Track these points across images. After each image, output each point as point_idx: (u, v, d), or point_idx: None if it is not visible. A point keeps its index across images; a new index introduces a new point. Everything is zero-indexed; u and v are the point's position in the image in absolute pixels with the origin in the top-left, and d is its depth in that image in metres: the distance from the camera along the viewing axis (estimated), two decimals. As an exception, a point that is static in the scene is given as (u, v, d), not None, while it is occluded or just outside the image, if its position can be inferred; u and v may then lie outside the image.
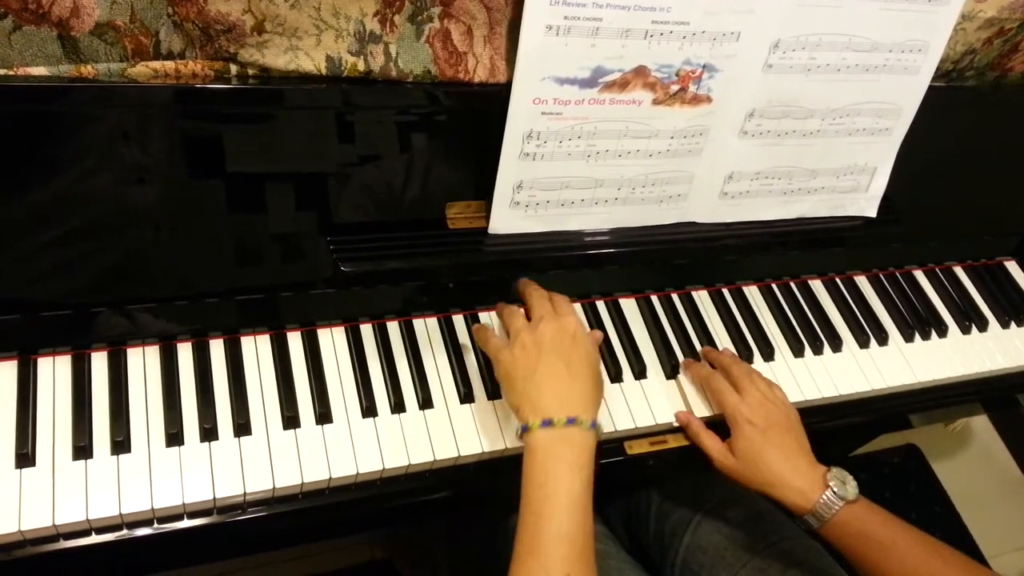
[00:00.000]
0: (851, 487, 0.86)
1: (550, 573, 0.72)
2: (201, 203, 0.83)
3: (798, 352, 1.07)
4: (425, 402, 0.91)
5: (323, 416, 0.87)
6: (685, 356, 1.03)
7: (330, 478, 0.84)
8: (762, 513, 1.04)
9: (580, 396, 0.80)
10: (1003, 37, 1.05)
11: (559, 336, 0.82)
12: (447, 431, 0.89)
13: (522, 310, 0.88)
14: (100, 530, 0.78)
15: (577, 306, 1.04)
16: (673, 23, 0.83)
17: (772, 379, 1.02)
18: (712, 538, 1.03)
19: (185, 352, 0.87)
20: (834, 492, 0.85)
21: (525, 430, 0.78)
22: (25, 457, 0.77)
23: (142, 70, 0.76)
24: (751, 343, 1.06)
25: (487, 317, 0.99)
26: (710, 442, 0.92)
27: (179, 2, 0.73)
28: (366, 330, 0.94)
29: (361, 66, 0.80)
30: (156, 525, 0.79)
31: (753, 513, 1.04)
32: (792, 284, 1.15)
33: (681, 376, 1.00)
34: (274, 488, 0.82)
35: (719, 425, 0.94)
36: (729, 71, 0.89)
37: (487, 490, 0.92)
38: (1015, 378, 1.17)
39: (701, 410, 0.97)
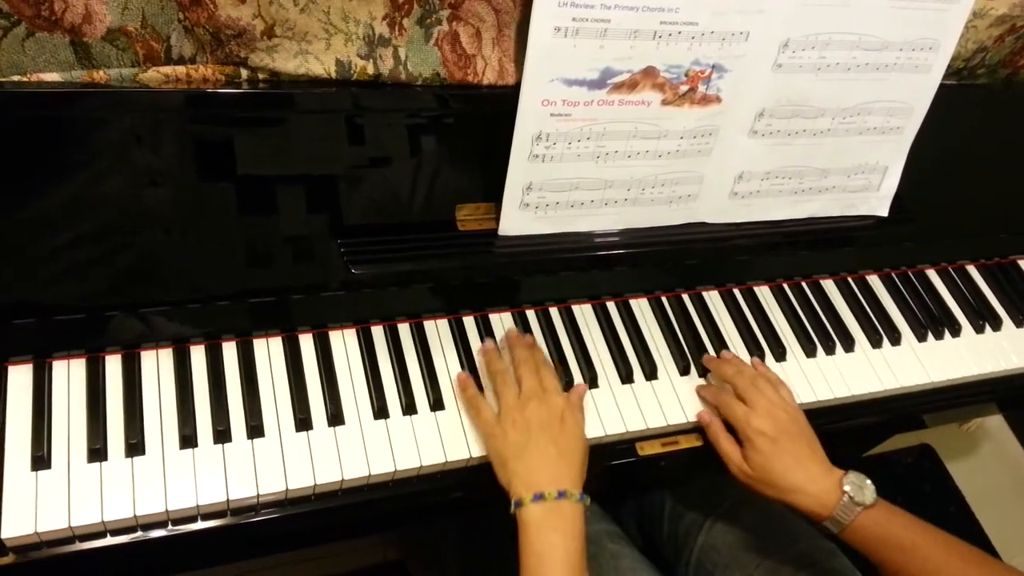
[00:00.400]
0: (868, 492, 0.85)
1: None
2: (213, 207, 0.83)
3: (810, 352, 1.07)
4: (436, 403, 0.91)
5: (335, 418, 0.87)
6: (695, 357, 1.03)
7: (342, 479, 0.84)
8: (776, 514, 1.04)
9: (568, 473, 0.83)
10: (1015, 34, 1.05)
11: (548, 418, 0.85)
12: (459, 432, 0.90)
13: (511, 374, 0.90)
14: (115, 532, 0.78)
15: (588, 307, 1.04)
16: (682, 23, 0.83)
17: (784, 380, 1.02)
18: (726, 539, 1.03)
19: (198, 355, 0.88)
20: (851, 498, 0.85)
21: (518, 505, 0.80)
22: (41, 460, 0.78)
23: (153, 75, 0.76)
24: (763, 343, 1.06)
25: (497, 319, 1.00)
26: (728, 447, 0.92)
27: (190, 7, 0.73)
28: (377, 332, 0.95)
29: (370, 69, 0.81)
30: (170, 527, 0.80)
31: (767, 514, 1.04)
32: (804, 284, 1.15)
33: (692, 377, 1.00)
34: (287, 490, 0.82)
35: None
36: (738, 71, 0.89)
37: (500, 491, 0.92)
38: (1030, 377, 1.16)
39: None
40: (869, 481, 0.87)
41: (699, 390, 1.00)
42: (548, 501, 0.79)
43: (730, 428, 0.94)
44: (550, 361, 0.94)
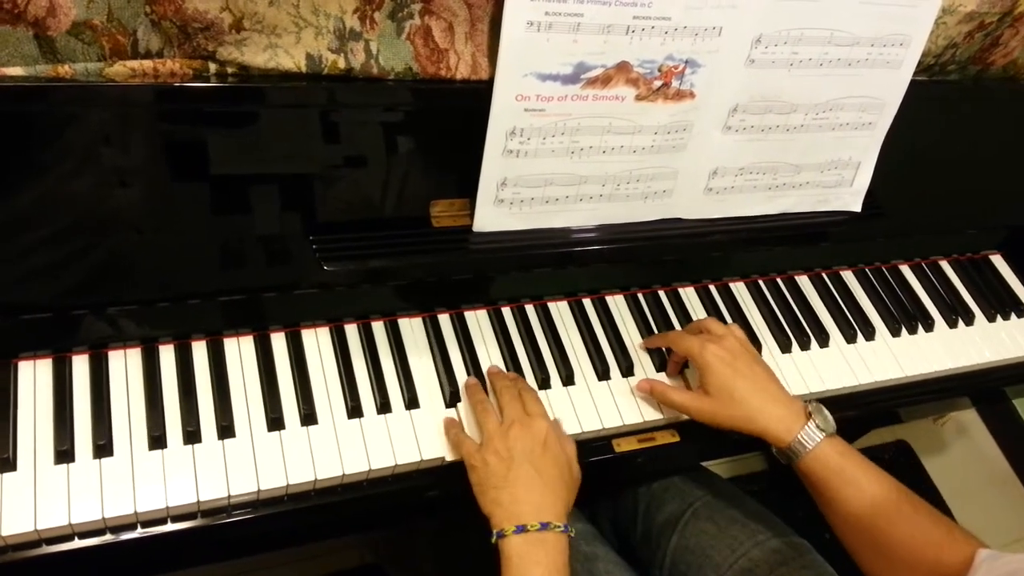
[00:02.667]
0: (830, 420, 0.86)
1: None
2: (181, 203, 0.82)
3: (785, 347, 1.07)
4: (411, 402, 0.90)
5: (308, 417, 0.86)
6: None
7: (315, 479, 0.83)
8: (748, 512, 1.04)
9: (552, 503, 0.81)
10: (984, 31, 1.06)
11: (530, 443, 0.83)
12: (434, 431, 0.89)
13: (493, 404, 0.89)
14: (83, 534, 0.77)
15: (564, 304, 1.04)
16: (654, 18, 0.83)
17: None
18: (699, 538, 1.02)
19: (167, 354, 0.87)
20: (815, 424, 0.85)
21: (500, 536, 0.78)
22: (6, 462, 0.77)
23: (120, 69, 0.75)
24: (738, 339, 1.06)
25: (472, 316, 0.99)
26: (680, 396, 0.92)
27: (156, 0, 0.72)
28: (351, 330, 0.94)
29: (342, 64, 0.80)
30: (140, 529, 0.78)
31: (740, 512, 1.03)
32: (778, 280, 1.15)
33: (668, 371, 1.00)
34: (259, 490, 0.81)
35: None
36: (712, 66, 0.89)
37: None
38: (1002, 371, 1.17)
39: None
40: (828, 411, 0.87)
41: (646, 342, 1.01)
42: (531, 533, 0.77)
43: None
44: (534, 388, 0.92)
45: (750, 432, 0.88)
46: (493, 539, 0.79)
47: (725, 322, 1.06)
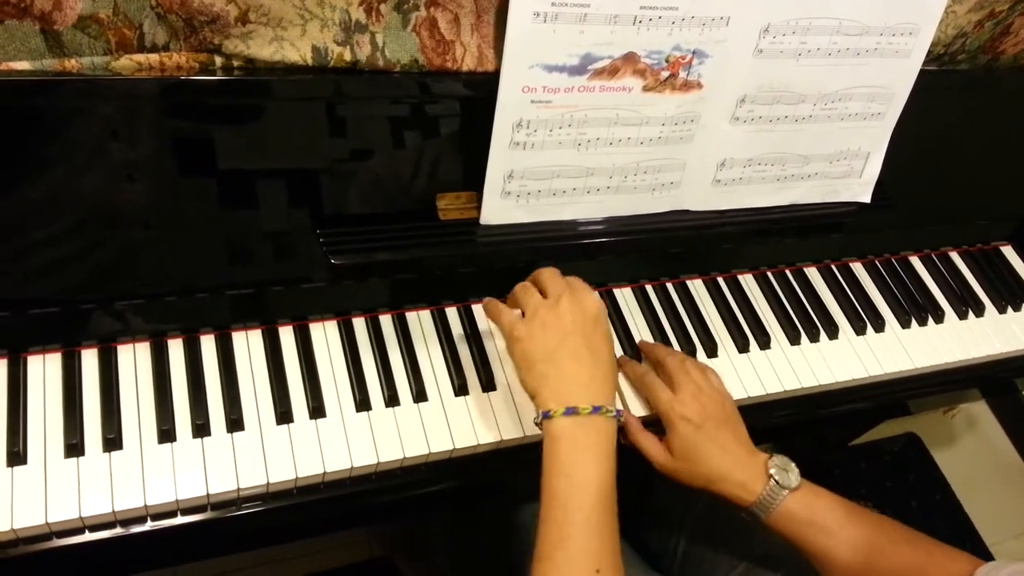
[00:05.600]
0: (793, 475, 0.83)
1: (580, 568, 0.69)
2: (189, 197, 0.82)
3: (794, 340, 1.07)
4: (419, 395, 0.90)
5: (316, 410, 0.86)
6: (682, 346, 1.02)
7: (324, 472, 0.83)
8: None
9: (603, 382, 0.77)
10: (994, 19, 1.05)
11: (581, 316, 0.79)
12: (442, 424, 0.89)
13: (535, 287, 0.84)
14: (93, 527, 0.77)
15: (571, 297, 1.03)
16: (662, 8, 0.83)
17: (768, 368, 1.02)
18: (711, 536, 1.02)
19: (176, 348, 0.87)
20: (777, 482, 0.83)
21: (546, 416, 0.74)
22: (16, 455, 0.77)
23: (126, 63, 0.75)
24: (747, 331, 1.06)
25: (480, 309, 0.99)
26: (648, 443, 0.88)
27: (162, -6, 0.72)
28: (359, 323, 0.94)
29: (347, 56, 0.80)
30: (150, 522, 0.79)
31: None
32: (787, 271, 1.14)
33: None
34: (268, 483, 0.81)
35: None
36: (719, 56, 0.89)
37: (485, 482, 0.92)
38: (1013, 363, 1.16)
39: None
40: (793, 464, 0.85)
41: (626, 368, 0.96)
42: (581, 416, 0.73)
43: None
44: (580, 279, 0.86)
45: (711, 493, 0.85)
46: (537, 419, 0.75)
47: (737, 319, 1.06)
